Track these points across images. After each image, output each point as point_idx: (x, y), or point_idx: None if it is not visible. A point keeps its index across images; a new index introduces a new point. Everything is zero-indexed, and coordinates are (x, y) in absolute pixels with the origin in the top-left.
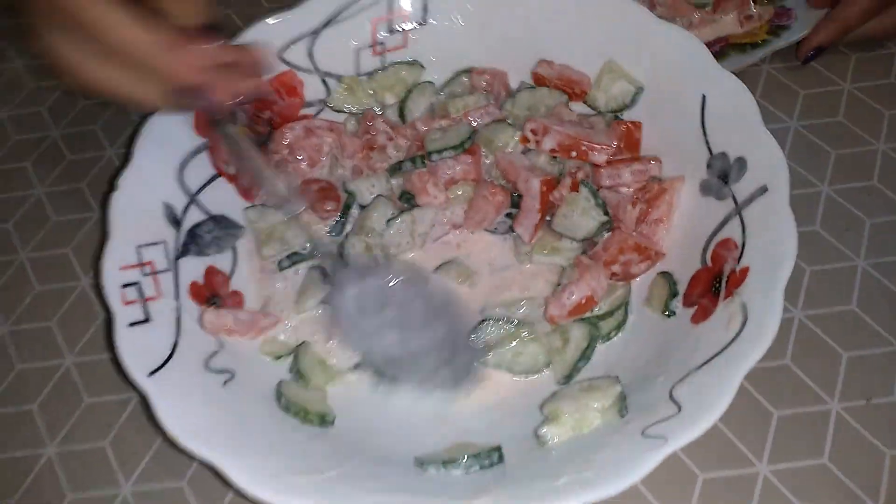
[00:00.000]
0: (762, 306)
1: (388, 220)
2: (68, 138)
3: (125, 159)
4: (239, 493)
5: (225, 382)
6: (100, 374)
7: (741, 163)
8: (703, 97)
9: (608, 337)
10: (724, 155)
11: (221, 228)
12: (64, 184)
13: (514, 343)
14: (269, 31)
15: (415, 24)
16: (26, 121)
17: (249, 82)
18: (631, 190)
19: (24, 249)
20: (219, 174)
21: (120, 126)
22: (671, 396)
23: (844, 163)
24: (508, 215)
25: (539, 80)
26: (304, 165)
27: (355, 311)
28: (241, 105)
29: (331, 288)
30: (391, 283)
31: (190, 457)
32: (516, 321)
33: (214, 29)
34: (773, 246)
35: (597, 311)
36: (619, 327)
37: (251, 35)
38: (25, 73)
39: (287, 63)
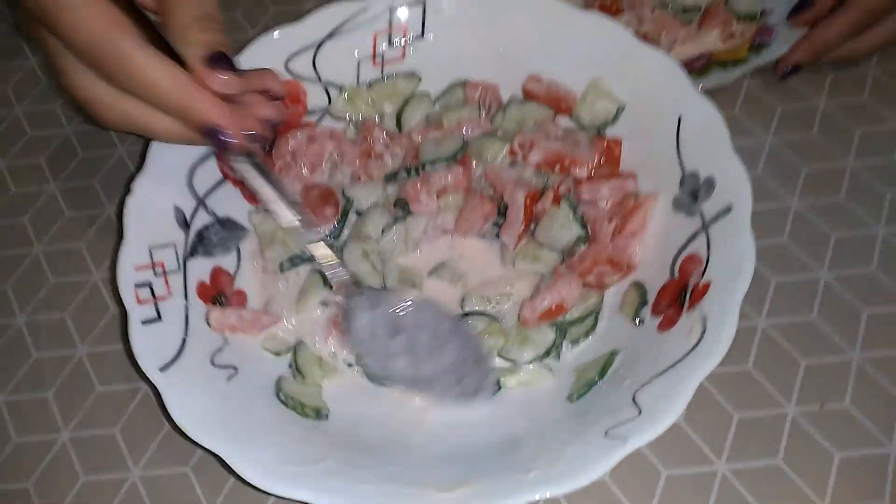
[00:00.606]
0: (719, 320)
1: (384, 229)
2: (80, 136)
3: (139, 164)
4: (240, 480)
5: (229, 378)
6: (111, 365)
7: (710, 182)
8: (679, 118)
9: (577, 342)
10: (695, 174)
11: (227, 230)
12: (77, 180)
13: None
14: (275, 44)
15: (413, 37)
16: (41, 117)
17: (269, 110)
18: (609, 204)
19: (40, 243)
20: (225, 178)
21: None
22: (634, 400)
23: (814, 178)
24: (496, 223)
25: (529, 95)
26: (305, 171)
27: (368, 337)
28: (261, 141)
29: (346, 314)
30: (401, 311)
31: (195, 445)
32: (493, 313)
33: (225, 58)
34: (733, 264)
35: (568, 317)
36: (587, 333)
37: (257, 48)
38: (41, 70)
39: (291, 73)
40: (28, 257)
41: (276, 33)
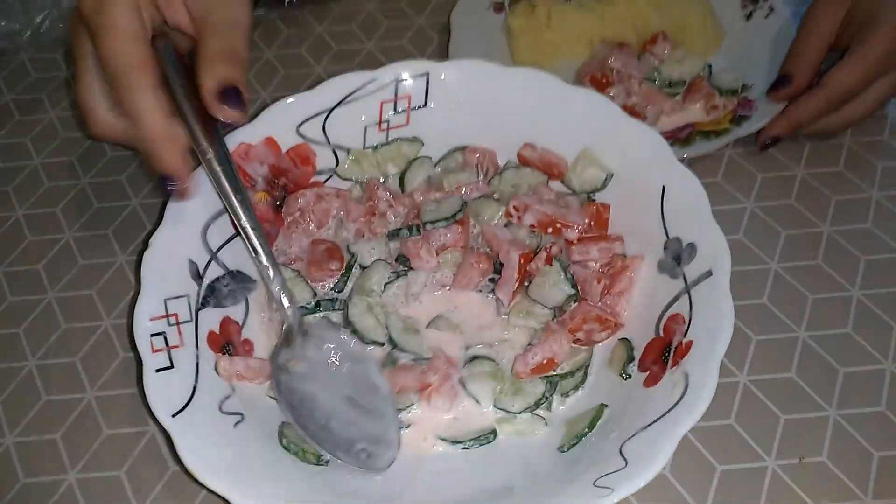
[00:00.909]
0: (700, 377)
1: (386, 283)
2: (96, 187)
3: (157, 220)
4: None
5: (236, 424)
6: (118, 408)
7: (692, 247)
8: (663, 187)
9: (567, 395)
10: (678, 239)
11: (237, 282)
12: (91, 230)
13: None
14: (289, 109)
15: (417, 105)
16: (58, 168)
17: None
18: (598, 264)
19: (53, 289)
20: (237, 233)
21: (144, 178)
22: (621, 451)
23: (793, 242)
24: (492, 279)
25: (523, 161)
26: (312, 227)
27: (279, 373)
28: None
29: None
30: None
31: (198, 487)
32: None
33: (236, 94)
34: (713, 324)
35: (559, 371)
36: (577, 387)
37: (273, 111)
38: (59, 124)
39: (302, 136)
40: (41, 303)
41: (290, 99)
